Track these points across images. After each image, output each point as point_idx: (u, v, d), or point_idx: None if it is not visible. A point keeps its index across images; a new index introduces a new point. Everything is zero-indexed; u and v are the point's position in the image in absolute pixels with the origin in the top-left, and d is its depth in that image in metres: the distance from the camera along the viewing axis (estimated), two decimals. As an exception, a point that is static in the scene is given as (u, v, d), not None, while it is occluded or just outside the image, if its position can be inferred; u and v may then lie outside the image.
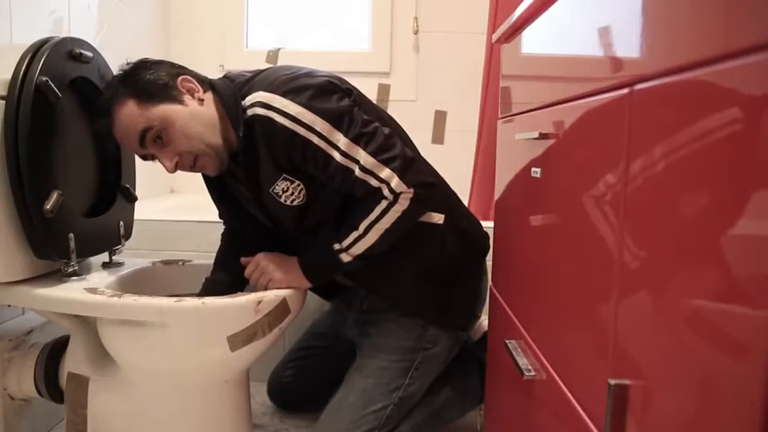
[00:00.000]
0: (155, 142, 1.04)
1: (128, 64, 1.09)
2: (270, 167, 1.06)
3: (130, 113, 1.03)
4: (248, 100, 1.04)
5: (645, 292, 0.46)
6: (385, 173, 1.02)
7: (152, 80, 1.05)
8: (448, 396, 1.24)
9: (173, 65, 1.11)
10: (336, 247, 1.06)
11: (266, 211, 1.13)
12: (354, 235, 1.05)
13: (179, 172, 1.11)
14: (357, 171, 1.02)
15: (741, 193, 0.35)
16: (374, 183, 1.03)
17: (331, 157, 1.03)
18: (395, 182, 1.02)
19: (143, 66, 1.08)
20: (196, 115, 1.06)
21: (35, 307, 1.07)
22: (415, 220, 1.09)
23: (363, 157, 1.02)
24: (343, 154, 1.02)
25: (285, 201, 1.08)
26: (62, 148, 1.06)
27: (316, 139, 1.02)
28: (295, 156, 1.04)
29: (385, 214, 1.04)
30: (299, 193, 1.08)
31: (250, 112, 1.03)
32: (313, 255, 1.10)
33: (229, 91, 1.08)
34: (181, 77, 1.07)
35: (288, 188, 1.07)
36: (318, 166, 1.04)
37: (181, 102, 1.06)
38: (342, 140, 1.02)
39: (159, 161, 1.07)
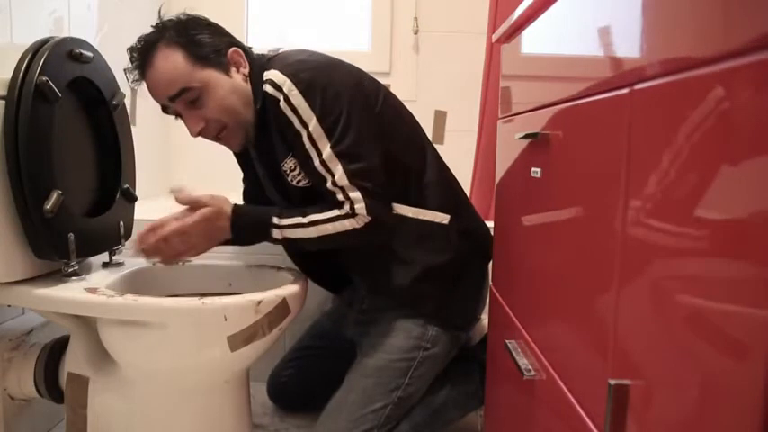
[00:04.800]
0: (187, 103, 1.04)
1: (184, 15, 1.08)
2: (280, 144, 1.08)
3: (176, 65, 1.03)
4: (265, 75, 1.06)
5: (645, 292, 0.46)
6: (354, 194, 1.03)
7: (207, 41, 1.06)
8: (448, 396, 1.24)
9: (225, 33, 1.12)
10: (275, 221, 1.06)
11: (280, 189, 1.14)
12: (298, 220, 1.05)
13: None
14: (329, 183, 1.04)
15: (741, 193, 0.35)
16: (340, 197, 1.04)
17: (311, 159, 1.04)
18: (359, 206, 1.03)
19: (200, 23, 1.08)
20: (237, 89, 1.07)
21: (35, 307, 1.07)
22: (354, 244, 1.08)
23: (339, 174, 1.03)
24: (322, 163, 1.03)
25: (292, 180, 1.10)
26: (62, 148, 1.06)
27: (305, 136, 1.03)
28: (288, 138, 1.06)
29: (336, 221, 1.04)
30: (304, 176, 1.09)
31: (263, 88, 1.05)
32: (249, 217, 1.09)
33: (259, 67, 1.10)
34: (232, 49, 1.09)
35: (294, 167, 1.09)
36: (300, 157, 1.06)
37: (227, 72, 1.07)
38: (326, 150, 1.03)
39: (184, 122, 1.07)
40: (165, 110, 1.09)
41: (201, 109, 1.05)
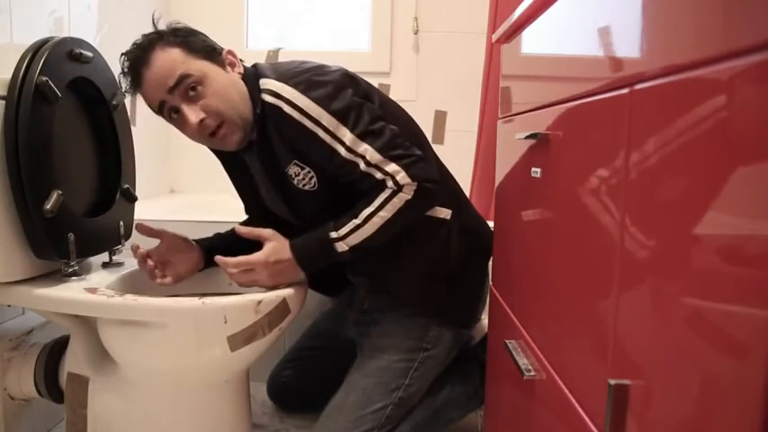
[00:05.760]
0: (187, 93, 1.03)
1: (176, 24, 1.10)
2: (282, 151, 1.08)
3: (173, 58, 1.04)
4: (261, 84, 1.07)
5: (645, 292, 0.46)
6: (391, 167, 1.03)
7: (201, 41, 1.08)
8: (449, 396, 1.24)
9: (215, 43, 1.14)
10: (333, 235, 1.05)
11: (284, 194, 1.14)
12: (354, 223, 1.05)
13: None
14: (362, 165, 1.03)
15: (741, 194, 0.35)
16: (379, 176, 1.03)
17: (336, 152, 1.04)
18: (400, 175, 1.03)
19: (192, 30, 1.10)
20: (234, 84, 1.08)
21: (35, 307, 1.07)
22: (416, 215, 1.08)
23: (370, 153, 1.03)
24: (348, 149, 1.03)
25: (298, 184, 1.10)
26: (62, 148, 1.06)
27: (321, 133, 1.03)
28: (302, 146, 1.05)
29: (387, 203, 1.04)
30: (310, 179, 1.09)
31: (262, 96, 1.05)
32: (308, 242, 1.09)
33: (252, 73, 1.11)
34: (226, 50, 1.11)
35: (299, 173, 1.09)
36: (324, 158, 1.05)
37: (223, 68, 1.09)
38: (347, 136, 1.03)
39: (183, 114, 1.04)
40: (161, 109, 1.07)
41: (203, 99, 1.04)
